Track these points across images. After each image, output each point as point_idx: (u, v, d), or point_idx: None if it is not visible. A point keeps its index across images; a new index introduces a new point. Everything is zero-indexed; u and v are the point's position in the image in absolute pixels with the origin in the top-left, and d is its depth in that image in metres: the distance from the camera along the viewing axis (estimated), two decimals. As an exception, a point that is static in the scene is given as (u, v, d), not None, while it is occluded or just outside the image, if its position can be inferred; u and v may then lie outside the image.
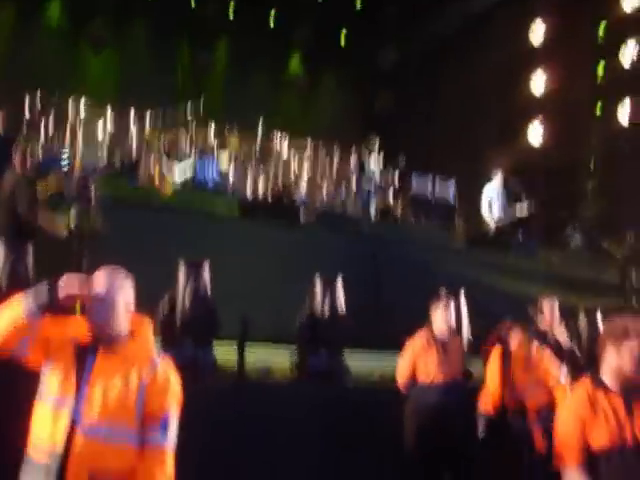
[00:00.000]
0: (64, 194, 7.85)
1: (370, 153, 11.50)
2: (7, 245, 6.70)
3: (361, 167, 11.67)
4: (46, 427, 2.76)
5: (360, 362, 7.80)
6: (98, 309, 2.84)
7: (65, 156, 9.94)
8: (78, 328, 2.90)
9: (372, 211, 11.31)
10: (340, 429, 6.61)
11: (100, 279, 2.89)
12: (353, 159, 12.73)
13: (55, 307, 2.83)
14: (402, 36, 16.09)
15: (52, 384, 2.81)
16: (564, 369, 6.46)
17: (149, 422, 2.79)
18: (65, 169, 9.49)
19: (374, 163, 11.51)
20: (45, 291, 2.79)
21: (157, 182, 9.66)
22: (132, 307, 2.93)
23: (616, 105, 14.79)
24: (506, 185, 11.82)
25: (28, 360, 2.87)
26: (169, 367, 2.93)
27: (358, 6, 16.94)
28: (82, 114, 11.26)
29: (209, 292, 6.77)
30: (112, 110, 11.64)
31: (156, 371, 2.86)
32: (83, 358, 2.83)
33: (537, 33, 14.87)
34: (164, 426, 2.82)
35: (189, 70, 15.84)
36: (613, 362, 3.22)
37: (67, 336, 2.87)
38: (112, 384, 2.78)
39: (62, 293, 2.80)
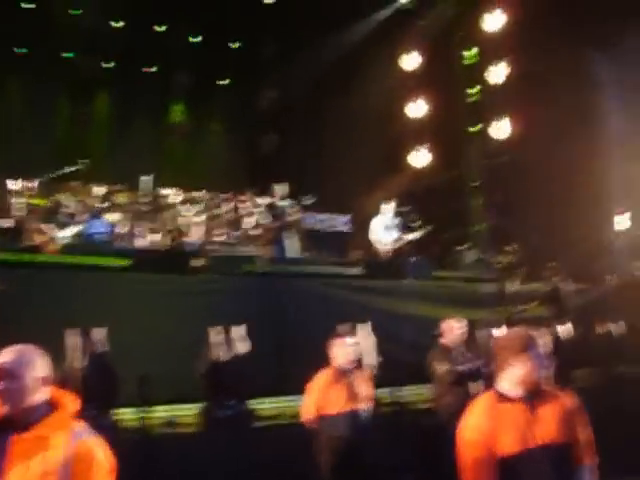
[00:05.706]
0: None
1: (277, 197, 11.67)
2: None
3: (270, 209, 11.74)
4: None
5: (268, 405, 7.79)
6: (6, 388, 2.74)
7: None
8: None
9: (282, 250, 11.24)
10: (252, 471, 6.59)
11: (5, 357, 2.80)
12: (245, 202, 12.79)
13: None
14: (281, 75, 16.31)
15: None
16: (477, 385, 6.69)
17: None
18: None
19: (284, 204, 11.63)
20: None
21: (43, 245, 9.38)
22: (48, 382, 2.83)
23: (489, 123, 15.52)
24: (396, 214, 12.07)
25: None
26: (93, 441, 2.82)
27: (236, 46, 16.92)
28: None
29: (104, 355, 6.63)
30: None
31: (77, 445, 2.74)
32: None
33: (409, 62, 15.40)
34: None
35: (70, 126, 15.51)
36: (517, 372, 3.40)
37: None
38: (31, 467, 2.67)
39: None
